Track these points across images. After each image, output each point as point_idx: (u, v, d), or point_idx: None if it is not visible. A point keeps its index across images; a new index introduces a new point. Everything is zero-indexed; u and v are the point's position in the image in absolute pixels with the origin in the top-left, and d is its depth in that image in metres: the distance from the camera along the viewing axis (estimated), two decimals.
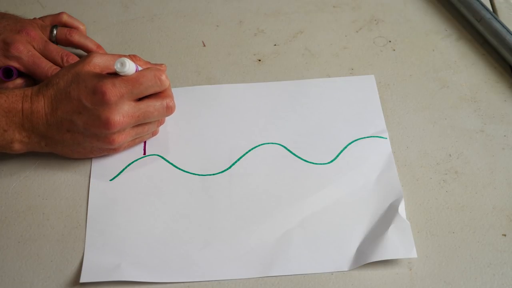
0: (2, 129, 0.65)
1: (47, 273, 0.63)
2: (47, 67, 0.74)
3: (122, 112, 0.64)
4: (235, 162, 0.70)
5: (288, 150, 0.71)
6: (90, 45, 0.79)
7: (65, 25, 0.80)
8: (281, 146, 0.72)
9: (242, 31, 0.84)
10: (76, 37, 0.78)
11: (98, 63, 0.66)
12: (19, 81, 0.75)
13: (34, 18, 0.79)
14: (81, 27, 0.81)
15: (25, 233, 0.66)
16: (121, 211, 0.67)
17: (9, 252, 0.64)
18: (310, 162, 0.70)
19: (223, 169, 0.70)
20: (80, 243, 0.65)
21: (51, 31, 0.77)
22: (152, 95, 0.67)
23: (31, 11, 0.86)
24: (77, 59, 0.76)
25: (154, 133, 0.72)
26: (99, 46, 0.79)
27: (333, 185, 0.68)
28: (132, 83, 0.64)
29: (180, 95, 0.76)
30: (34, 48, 0.75)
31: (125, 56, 0.68)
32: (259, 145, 0.72)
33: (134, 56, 0.71)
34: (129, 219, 0.66)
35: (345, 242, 0.64)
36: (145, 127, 0.69)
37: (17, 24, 0.75)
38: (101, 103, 0.63)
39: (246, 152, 0.71)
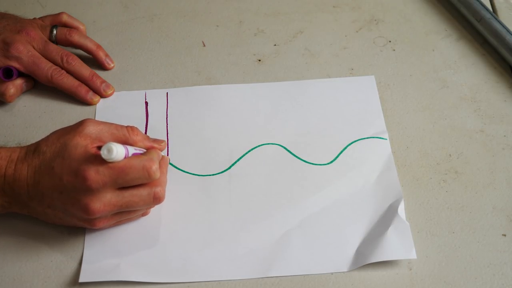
0: None
1: (47, 273, 0.63)
2: (47, 67, 0.74)
3: (104, 200, 0.59)
4: (235, 162, 0.70)
5: (288, 151, 0.71)
6: (90, 45, 0.79)
7: (65, 25, 0.80)
8: (280, 147, 0.72)
9: (242, 31, 0.84)
10: (76, 37, 0.78)
11: (90, 133, 0.61)
12: (19, 81, 0.75)
13: (34, 18, 0.79)
14: (81, 27, 0.81)
15: (25, 233, 0.66)
16: None
17: (9, 252, 0.64)
18: (310, 163, 0.70)
19: (223, 170, 0.70)
20: (80, 243, 0.65)
21: (51, 31, 0.77)
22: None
23: (31, 11, 0.86)
24: (77, 59, 0.76)
25: (143, 214, 0.66)
26: (99, 46, 0.79)
27: (333, 185, 0.68)
28: (117, 173, 0.58)
29: (180, 95, 0.77)
30: (34, 48, 0.75)
31: (121, 126, 0.64)
32: (259, 146, 0.72)
33: (132, 129, 0.64)
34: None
35: (345, 243, 0.64)
36: (130, 213, 0.64)
37: (17, 24, 0.75)
38: (82, 189, 0.58)
39: (246, 153, 0.71)
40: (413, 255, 0.62)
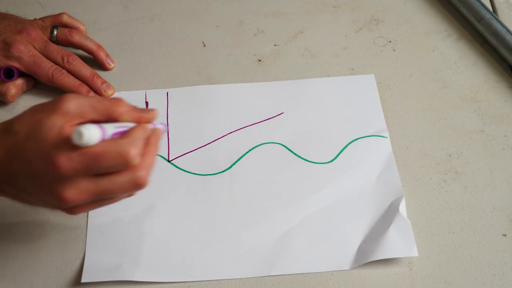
0: None
1: (47, 273, 0.63)
2: (47, 67, 0.74)
3: (77, 189, 0.53)
4: (236, 161, 0.70)
5: (289, 150, 0.71)
6: (91, 45, 0.79)
7: (66, 26, 0.80)
8: (281, 146, 0.72)
9: (242, 31, 0.84)
10: (76, 38, 0.78)
11: (69, 110, 0.53)
12: (19, 81, 0.75)
13: (35, 19, 0.79)
14: (82, 27, 0.81)
15: (25, 233, 0.66)
16: (122, 211, 0.67)
17: (9, 252, 0.64)
18: (311, 161, 0.70)
19: (224, 169, 0.70)
20: (81, 243, 0.65)
21: (52, 32, 0.77)
22: None
23: (32, 11, 0.86)
24: (77, 59, 0.76)
25: (129, 195, 0.58)
26: (99, 46, 0.79)
27: (334, 184, 0.68)
28: (90, 160, 0.52)
29: (180, 95, 0.77)
30: (35, 48, 0.75)
31: (104, 99, 0.56)
32: (259, 145, 0.72)
33: (116, 100, 0.56)
34: (130, 219, 0.66)
35: (346, 241, 0.64)
36: (111, 200, 0.57)
37: (17, 24, 0.75)
38: (53, 176, 0.53)
39: (247, 152, 0.71)
40: (414, 252, 0.62)
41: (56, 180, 0.53)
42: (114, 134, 0.54)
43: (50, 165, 0.52)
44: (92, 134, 0.51)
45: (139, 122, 0.57)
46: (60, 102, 0.54)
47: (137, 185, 0.55)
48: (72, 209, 0.56)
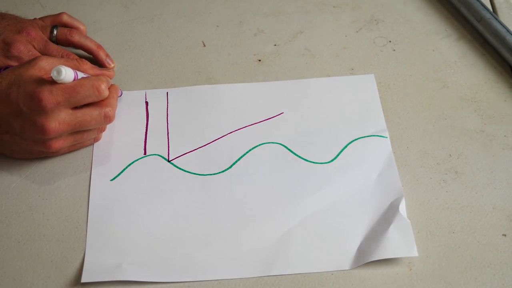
0: None
1: (47, 273, 0.63)
2: None
3: (58, 120, 0.64)
4: (236, 161, 0.70)
5: (289, 150, 0.71)
6: (91, 45, 0.79)
7: (66, 25, 0.80)
8: (281, 146, 0.72)
9: (242, 31, 0.84)
10: (76, 37, 0.78)
11: (43, 66, 0.65)
12: None
13: (35, 19, 0.79)
14: (81, 27, 0.81)
15: (25, 233, 0.66)
16: (121, 211, 0.67)
17: (9, 252, 0.64)
18: (311, 161, 0.70)
19: (224, 169, 0.70)
20: (81, 243, 0.65)
21: (51, 31, 0.77)
22: (93, 103, 0.67)
23: (31, 11, 0.86)
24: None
25: (96, 139, 0.72)
26: (99, 46, 0.79)
27: (334, 184, 0.68)
28: (69, 92, 0.63)
29: (180, 95, 0.77)
30: (35, 48, 0.75)
31: (72, 59, 0.69)
32: (259, 145, 0.72)
33: (82, 60, 0.70)
34: (130, 219, 0.66)
35: (346, 241, 0.64)
36: (84, 134, 0.69)
37: (17, 24, 0.75)
38: (37, 110, 0.63)
39: (247, 152, 0.71)
40: (414, 252, 0.62)
41: (40, 113, 0.63)
42: (82, 78, 0.66)
43: (34, 100, 0.63)
44: (68, 72, 0.63)
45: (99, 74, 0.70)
46: (35, 61, 0.66)
47: (106, 118, 0.67)
48: (51, 142, 0.66)
